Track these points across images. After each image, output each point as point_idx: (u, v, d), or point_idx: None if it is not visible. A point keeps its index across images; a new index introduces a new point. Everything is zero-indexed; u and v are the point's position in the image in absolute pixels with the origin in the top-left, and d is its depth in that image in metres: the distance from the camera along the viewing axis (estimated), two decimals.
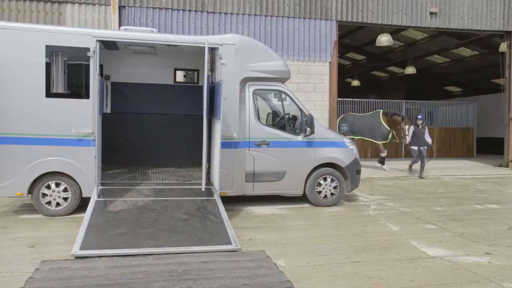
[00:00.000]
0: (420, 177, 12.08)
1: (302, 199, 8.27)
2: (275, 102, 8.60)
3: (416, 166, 12.75)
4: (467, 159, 17.50)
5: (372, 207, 8.24)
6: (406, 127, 12.46)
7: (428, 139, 12.22)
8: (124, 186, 7.07)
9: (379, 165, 13.73)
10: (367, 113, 14.47)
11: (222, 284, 4.25)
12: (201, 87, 7.62)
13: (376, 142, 13.38)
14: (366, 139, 13.65)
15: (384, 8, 12.82)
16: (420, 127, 12.19)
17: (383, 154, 13.40)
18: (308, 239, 5.98)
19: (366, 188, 10.31)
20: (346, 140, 8.40)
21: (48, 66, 6.81)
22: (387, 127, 13.01)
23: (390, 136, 13.06)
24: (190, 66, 8.97)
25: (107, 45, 7.75)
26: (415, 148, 12.18)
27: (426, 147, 12.23)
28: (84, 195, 6.97)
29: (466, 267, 4.94)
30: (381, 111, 13.57)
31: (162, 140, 8.87)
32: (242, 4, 11.80)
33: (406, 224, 6.95)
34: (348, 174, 8.16)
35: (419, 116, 12.33)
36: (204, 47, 6.70)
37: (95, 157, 6.74)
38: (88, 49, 6.78)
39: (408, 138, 12.33)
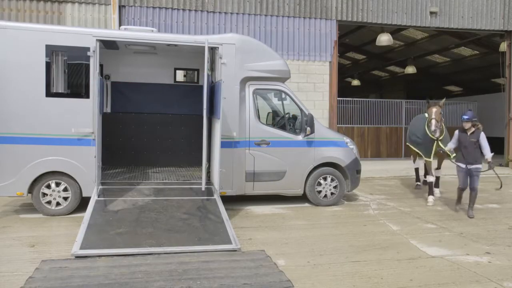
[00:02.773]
0: (469, 215, 7.40)
1: (302, 198, 8.27)
2: (275, 101, 8.60)
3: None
4: None
5: (372, 206, 8.24)
6: (434, 110, 8.24)
7: (487, 152, 7.29)
8: (124, 186, 7.07)
9: (421, 187, 9.96)
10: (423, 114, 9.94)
11: (222, 283, 4.26)
12: (201, 87, 7.62)
13: (421, 155, 9.10)
14: (413, 148, 9.60)
15: (384, 8, 12.81)
16: (469, 132, 7.35)
17: (431, 179, 8.64)
18: (308, 238, 5.98)
19: (366, 187, 10.31)
20: (346, 140, 8.41)
21: (48, 66, 6.81)
22: (429, 133, 8.46)
23: (434, 146, 8.43)
24: (190, 66, 8.97)
25: (107, 45, 7.75)
26: (462, 165, 7.43)
27: (479, 166, 7.33)
28: (84, 194, 6.97)
29: (466, 267, 4.94)
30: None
31: (162, 139, 8.87)
32: (242, 4, 11.79)
33: (406, 223, 6.95)
34: (348, 174, 8.16)
35: (465, 117, 7.36)
36: (204, 47, 6.70)
37: (95, 157, 6.74)
38: (88, 49, 6.78)
39: (433, 124, 8.12)
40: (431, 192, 8.60)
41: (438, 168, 9.15)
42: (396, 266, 4.94)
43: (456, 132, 7.61)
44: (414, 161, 10.39)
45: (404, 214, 7.61)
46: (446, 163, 9.14)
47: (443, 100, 8.71)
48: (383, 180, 11.78)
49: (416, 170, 10.45)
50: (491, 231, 6.53)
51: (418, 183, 10.35)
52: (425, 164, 9.08)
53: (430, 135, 8.38)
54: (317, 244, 5.73)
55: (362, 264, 4.98)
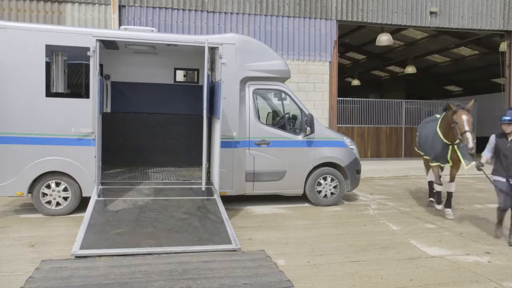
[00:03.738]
0: (510, 243, 5.84)
1: (302, 198, 8.27)
2: (275, 101, 8.60)
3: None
4: None
5: (372, 206, 8.24)
6: (465, 117, 6.56)
7: None
8: (124, 186, 7.07)
9: (434, 205, 7.67)
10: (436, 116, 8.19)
11: (222, 283, 4.26)
12: (201, 87, 7.62)
13: (429, 162, 7.71)
14: (424, 156, 8.21)
15: (384, 8, 12.82)
16: (510, 138, 6.00)
17: (438, 188, 7.45)
18: (308, 238, 5.98)
19: (366, 187, 10.31)
20: (346, 140, 8.40)
21: (48, 66, 6.81)
22: (442, 138, 7.11)
23: (449, 154, 7.11)
24: (190, 66, 8.97)
25: (107, 45, 7.75)
26: (502, 179, 6.04)
27: None
28: (84, 194, 6.97)
29: (466, 267, 4.94)
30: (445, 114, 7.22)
31: (162, 139, 8.87)
32: (242, 4, 11.80)
33: (406, 223, 6.95)
34: (348, 174, 8.16)
35: (507, 118, 6.00)
36: (204, 47, 6.70)
37: (95, 157, 6.73)
38: (88, 49, 6.77)
39: (470, 139, 6.38)
40: (439, 201, 7.50)
41: (452, 180, 7.36)
42: (396, 266, 4.94)
43: (493, 137, 6.17)
44: (427, 173, 8.48)
45: (404, 214, 7.61)
46: (448, 166, 7.57)
47: (471, 102, 6.93)
48: (383, 180, 11.78)
49: (430, 183, 8.33)
50: (491, 231, 6.52)
51: (432, 199, 8.22)
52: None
53: (443, 139, 7.09)
54: (317, 244, 5.73)
55: (362, 264, 4.98)
